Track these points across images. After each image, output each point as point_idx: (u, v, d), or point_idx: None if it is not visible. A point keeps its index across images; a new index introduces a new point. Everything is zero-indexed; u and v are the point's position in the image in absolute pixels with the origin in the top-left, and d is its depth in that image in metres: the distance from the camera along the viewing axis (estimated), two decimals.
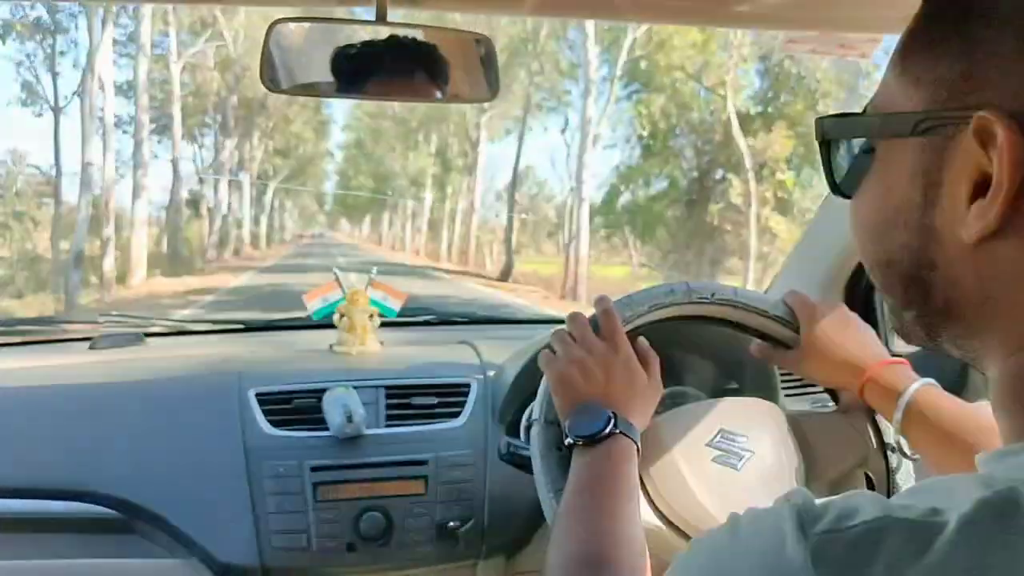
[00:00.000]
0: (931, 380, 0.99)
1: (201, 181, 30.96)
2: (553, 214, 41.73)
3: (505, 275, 24.83)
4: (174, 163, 24.73)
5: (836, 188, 0.57)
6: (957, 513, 0.38)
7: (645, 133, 20.78)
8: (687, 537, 1.02)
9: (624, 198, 23.84)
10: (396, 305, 1.72)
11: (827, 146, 0.57)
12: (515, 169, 30.10)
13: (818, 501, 0.42)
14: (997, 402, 0.48)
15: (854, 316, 1.11)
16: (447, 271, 29.24)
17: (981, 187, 0.43)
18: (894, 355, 1.07)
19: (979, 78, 0.44)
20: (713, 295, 1.12)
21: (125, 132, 23.39)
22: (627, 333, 1.08)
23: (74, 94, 21.25)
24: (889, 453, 1.10)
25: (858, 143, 0.54)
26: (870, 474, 1.13)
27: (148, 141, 21.11)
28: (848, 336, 1.07)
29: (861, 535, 0.38)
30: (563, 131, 29.78)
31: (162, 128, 26.22)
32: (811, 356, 1.09)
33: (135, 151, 20.01)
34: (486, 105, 20.07)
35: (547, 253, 40.75)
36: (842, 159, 0.56)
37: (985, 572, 0.37)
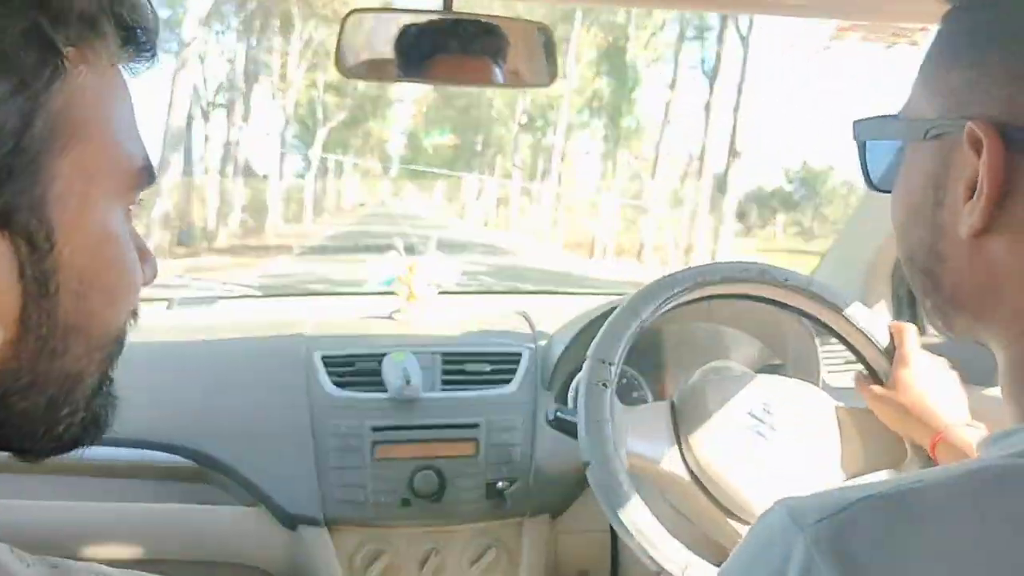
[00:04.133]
0: None
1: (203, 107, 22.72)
2: None
3: None
4: None
5: (871, 184, 0.62)
6: (934, 483, 0.42)
7: None
8: (710, 495, 1.09)
9: None
10: (454, 275, 1.79)
11: (862, 146, 0.62)
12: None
13: (806, 496, 0.45)
14: (1004, 388, 0.51)
15: (950, 372, 1.11)
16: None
17: (974, 188, 0.48)
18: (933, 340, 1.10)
19: (978, 91, 0.48)
20: (786, 280, 1.17)
21: None
22: (690, 301, 1.14)
23: None
24: (927, 460, 1.11)
25: (888, 144, 0.59)
26: None
27: None
28: (939, 389, 1.07)
29: (850, 516, 0.41)
30: None
31: None
32: (892, 399, 1.09)
33: None
34: None
35: None
36: (872, 158, 0.61)
37: (953, 541, 0.40)
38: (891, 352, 1.13)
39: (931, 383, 1.08)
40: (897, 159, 0.57)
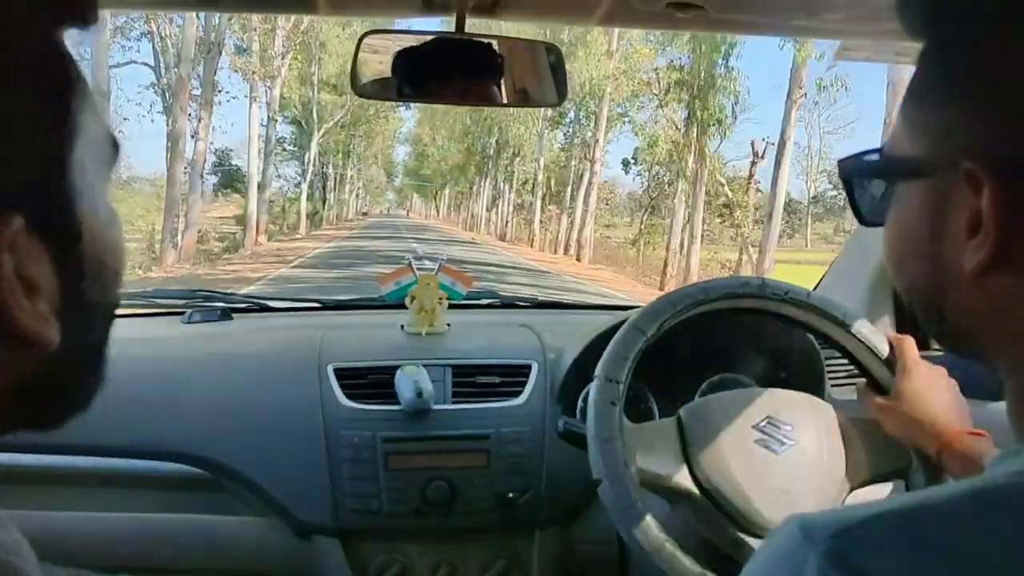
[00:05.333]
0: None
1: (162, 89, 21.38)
2: None
3: None
4: None
5: (862, 220, 0.62)
6: (946, 499, 0.43)
7: None
8: (721, 509, 1.11)
9: None
10: (464, 289, 1.82)
11: (848, 183, 0.62)
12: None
13: (819, 513, 0.45)
14: (1011, 412, 0.51)
15: (951, 381, 1.12)
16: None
17: (976, 224, 0.47)
18: (939, 351, 1.11)
19: (962, 129, 0.48)
20: (786, 294, 1.20)
21: None
22: (692, 316, 1.17)
23: None
24: (932, 468, 1.13)
25: (875, 181, 0.60)
26: (910, 484, 1.18)
27: None
28: (941, 398, 1.09)
29: (863, 532, 0.42)
30: None
31: None
32: (897, 409, 1.11)
33: None
34: None
35: None
36: (861, 195, 0.62)
37: (964, 559, 0.40)
38: (893, 363, 1.16)
39: (933, 392, 1.10)
40: (887, 194, 0.57)
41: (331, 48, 27.38)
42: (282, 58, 24.47)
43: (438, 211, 67.62)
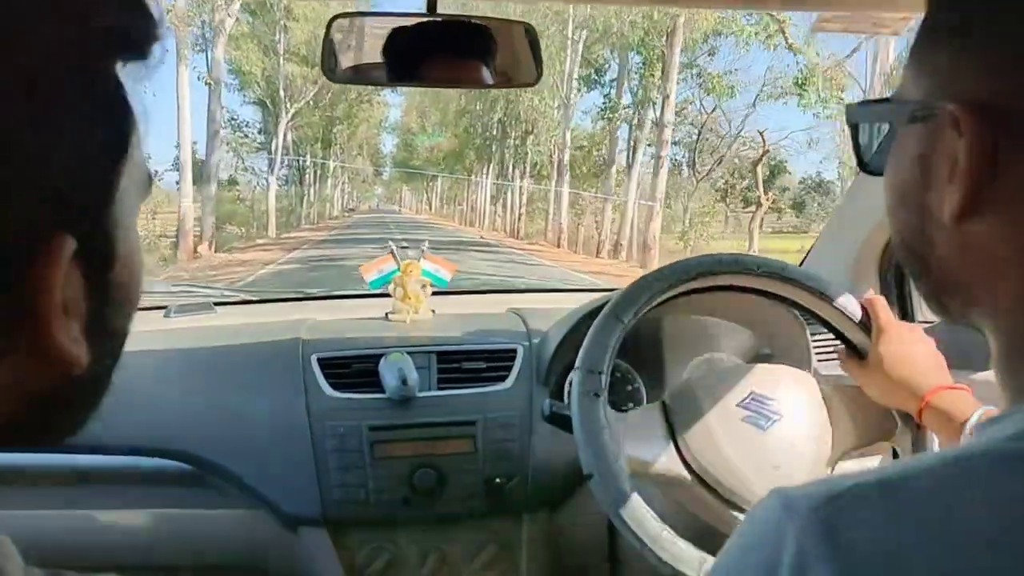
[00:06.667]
0: (992, 407, 0.96)
1: None
2: None
3: None
4: None
5: (864, 166, 0.63)
6: (926, 468, 0.43)
7: None
8: (713, 490, 1.11)
9: None
10: (447, 276, 1.81)
11: (855, 129, 0.63)
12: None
13: (799, 487, 0.45)
14: (997, 374, 0.51)
15: (928, 339, 1.12)
16: None
17: (956, 169, 0.48)
18: (925, 322, 1.11)
19: (962, 73, 0.48)
20: (758, 268, 1.19)
21: None
22: (671, 298, 1.16)
23: None
24: (917, 429, 1.14)
25: (881, 127, 0.60)
26: (897, 448, 1.19)
27: None
28: (917, 358, 1.09)
29: (843, 504, 0.42)
30: None
31: None
32: (877, 371, 1.11)
33: None
34: None
35: None
36: (865, 141, 0.62)
37: (945, 527, 0.40)
38: (868, 326, 1.16)
39: (910, 351, 1.10)
40: (888, 142, 0.57)
41: (298, 11, 23.66)
42: (226, 6, 19.47)
43: (430, 205, 63.31)
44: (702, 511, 1.16)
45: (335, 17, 1.13)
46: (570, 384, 1.17)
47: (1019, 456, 0.42)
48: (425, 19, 1.15)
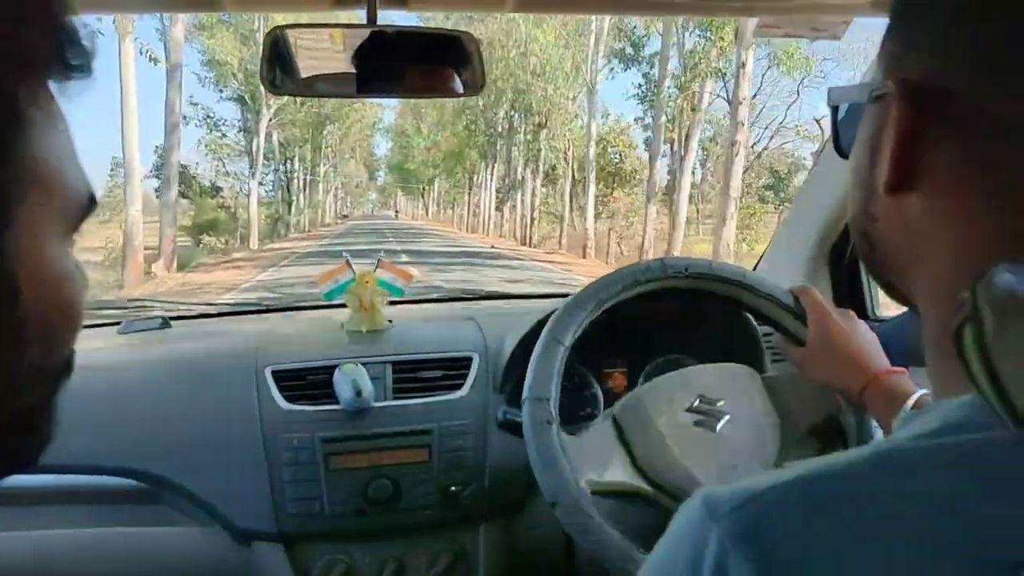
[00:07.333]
0: (928, 391, 1.00)
1: None
2: None
3: None
4: None
5: (839, 149, 0.64)
6: (844, 468, 0.43)
7: None
8: (675, 498, 1.11)
9: None
10: (404, 285, 1.80)
11: (834, 111, 0.65)
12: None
13: (725, 487, 0.45)
14: (927, 359, 0.52)
15: (861, 322, 1.16)
16: None
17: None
18: (877, 320, 1.13)
19: (906, 55, 0.50)
20: (687, 270, 1.20)
21: None
22: (604, 311, 1.17)
23: None
24: (859, 408, 1.17)
25: (853, 110, 0.60)
26: (844, 427, 1.20)
27: None
28: (853, 340, 1.12)
29: (762, 505, 0.43)
30: None
31: None
32: (817, 355, 1.14)
33: None
34: None
35: None
36: (842, 125, 0.63)
37: (862, 526, 0.40)
38: (803, 314, 1.18)
39: (846, 335, 1.13)
40: (849, 125, 0.59)
41: None
42: None
43: (426, 210, 59.84)
44: (667, 521, 1.16)
45: (273, 29, 1.13)
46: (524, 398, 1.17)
47: (939, 452, 0.42)
48: (366, 28, 1.15)
